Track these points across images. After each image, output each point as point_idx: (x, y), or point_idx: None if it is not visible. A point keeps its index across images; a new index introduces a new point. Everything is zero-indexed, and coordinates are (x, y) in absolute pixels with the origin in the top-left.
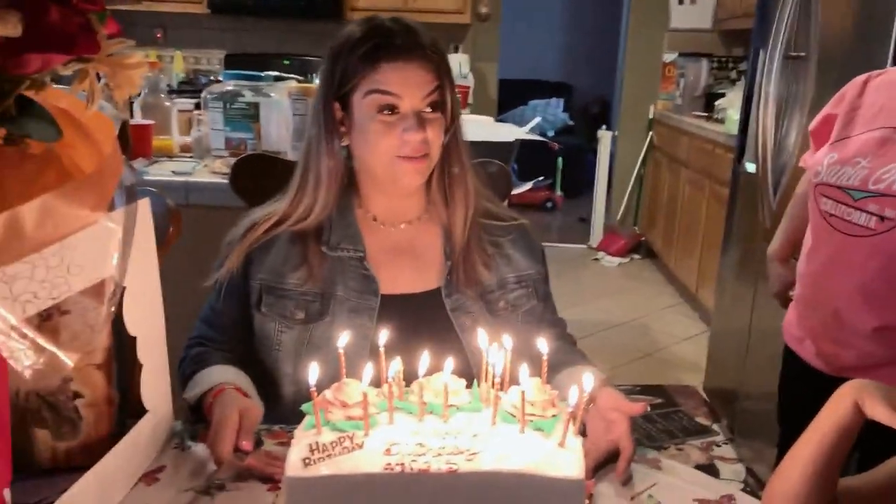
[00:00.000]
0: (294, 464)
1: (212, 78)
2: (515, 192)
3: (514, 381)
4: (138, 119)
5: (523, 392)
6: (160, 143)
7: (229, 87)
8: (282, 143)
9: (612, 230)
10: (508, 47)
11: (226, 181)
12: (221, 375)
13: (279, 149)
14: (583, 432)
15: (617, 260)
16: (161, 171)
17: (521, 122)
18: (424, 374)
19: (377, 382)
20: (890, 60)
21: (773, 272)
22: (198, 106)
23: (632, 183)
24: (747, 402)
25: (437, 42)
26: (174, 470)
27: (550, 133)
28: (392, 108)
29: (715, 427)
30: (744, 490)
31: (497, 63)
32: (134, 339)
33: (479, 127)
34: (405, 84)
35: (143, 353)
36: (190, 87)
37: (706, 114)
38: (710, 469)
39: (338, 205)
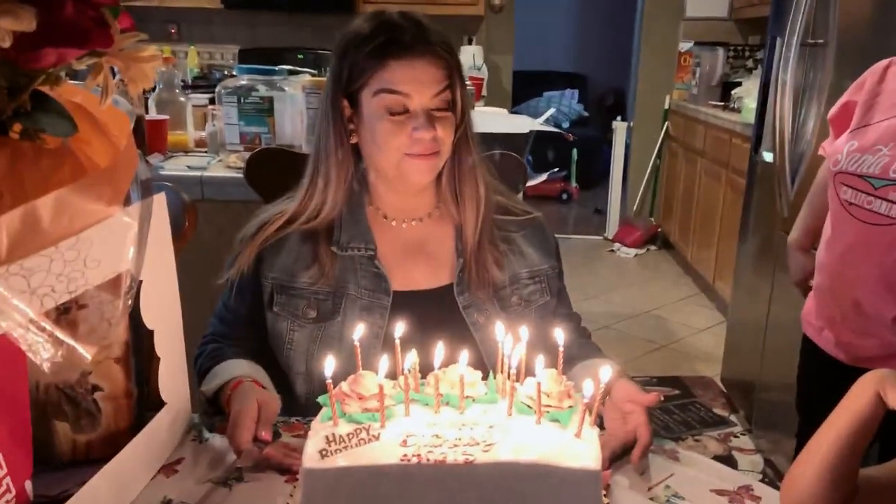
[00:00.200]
0: (311, 455)
1: (226, 73)
2: (530, 183)
3: (529, 372)
4: (153, 114)
5: (539, 383)
6: (175, 138)
7: (243, 82)
8: (296, 137)
9: (628, 221)
10: (522, 39)
11: (241, 175)
12: (239, 369)
13: (293, 143)
14: (601, 425)
15: (633, 251)
16: (176, 166)
17: (535, 114)
18: (440, 366)
19: (393, 375)
20: None
21: (793, 261)
22: (212, 101)
23: (647, 174)
24: (765, 392)
25: (447, 38)
26: (193, 462)
27: (565, 124)
28: (402, 107)
29: (732, 418)
30: (762, 481)
31: (511, 55)
32: (151, 332)
33: (493, 119)
34: (415, 82)
35: (160, 347)
36: (204, 82)
37: (722, 103)
38: (727, 460)
39: (348, 203)
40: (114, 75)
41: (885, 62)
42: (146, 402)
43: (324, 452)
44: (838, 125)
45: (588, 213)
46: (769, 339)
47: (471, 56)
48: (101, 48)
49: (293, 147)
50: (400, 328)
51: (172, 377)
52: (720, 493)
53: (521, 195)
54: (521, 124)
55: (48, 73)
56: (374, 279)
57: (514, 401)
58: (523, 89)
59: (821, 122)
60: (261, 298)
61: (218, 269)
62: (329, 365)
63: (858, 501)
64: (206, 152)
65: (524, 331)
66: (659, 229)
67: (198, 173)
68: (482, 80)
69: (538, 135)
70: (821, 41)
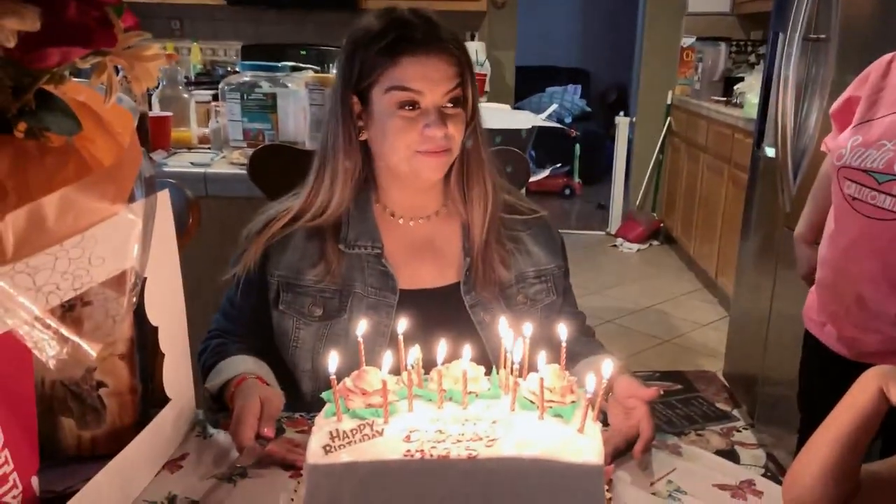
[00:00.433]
0: (315, 451)
1: (229, 69)
2: (533, 179)
3: (532, 368)
4: (156, 111)
5: (542, 378)
6: (178, 134)
7: (246, 78)
8: (299, 134)
9: (631, 216)
10: (525, 34)
11: (244, 172)
12: (243, 365)
13: (297, 139)
14: (605, 422)
15: (636, 246)
16: (180, 163)
17: (538, 110)
18: (443, 361)
19: (396, 370)
20: None
21: (800, 255)
22: (215, 97)
23: (650, 169)
24: (767, 387)
25: (458, 35)
26: (197, 457)
27: (568, 120)
28: (413, 104)
29: (735, 413)
30: (764, 475)
31: (514, 50)
32: (156, 329)
33: (496, 115)
34: (426, 79)
35: (164, 343)
36: (207, 78)
37: (725, 98)
38: (730, 454)
39: (355, 200)
40: (117, 73)
41: (888, 57)
42: (151, 399)
43: (328, 448)
44: (840, 120)
45: (591, 208)
46: (771, 333)
47: (473, 52)
48: (104, 47)
49: (296, 143)
50: (403, 324)
51: (177, 373)
52: (722, 487)
53: (523, 191)
54: (524, 120)
55: (52, 72)
56: (380, 277)
57: (517, 396)
58: (526, 85)
59: (823, 117)
60: (266, 296)
61: (221, 266)
62: (332, 361)
63: (861, 497)
64: (209, 149)
65: (527, 327)
66: (661, 224)
67: (201, 170)
68: (485, 75)
69: (541, 130)
70: (823, 36)
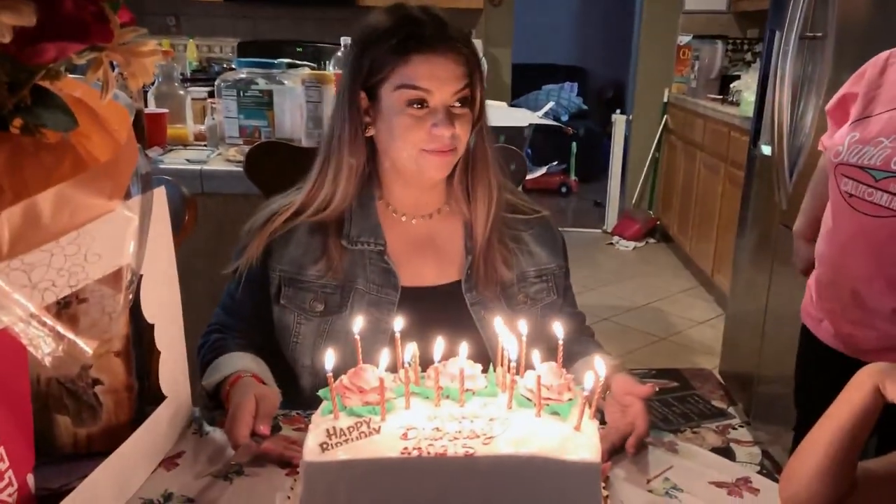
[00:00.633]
0: (311, 449)
1: (225, 66)
2: (530, 177)
3: (529, 366)
4: (152, 108)
5: (539, 376)
6: (174, 131)
7: (243, 75)
8: (296, 131)
9: (628, 214)
10: (522, 32)
11: (240, 169)
12: (239, 363)
13: (293, 136)
14: (602, 420)
15: (632, 244)
16: (176, 160)
17: (535, 107)
18: (440, 359)
19: (394, 368)
20: None
21: (799, 251)
22: (211, 94)
23: (647, 167)
24: (763, 385)
25: (468, 35)
26: (193, 455)
27: (564, 118)
28: (422, 103)
29: (731, 410)
30: (760, 473)
31: (510, 48)
32: (152, 326)
33: (492, 112)
34: (435, 78)
35: (161, 341)
36: (203, 75)
37: (721, 96)
38: (726, 452)
39: (358, 197)
40: (113, 69)
41: (885, 53)
42: (147, 396)
43: (324, 446)
44: (836, 117)
45: (587, 206)
46: (768, 331)
47: None
48: (101, 43)
49: (292, 140)
50: (399, 322)
51: (173, 371)
52: (719, 485)
53: (520, 188)
54: (521, 117)
55: (48, 67)
56: (382, 274)
57: (515, 394)
58: (522, 82)
59: (819, 115)
60: (268, 290)
61: (218, 263)
62: (329, 359)
63: (857, 494)
64: (205, 146)
65: (523, 324)
66: (658, 222)
67: (197, 167)
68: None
69: (537, 128)
70: (819, 34)
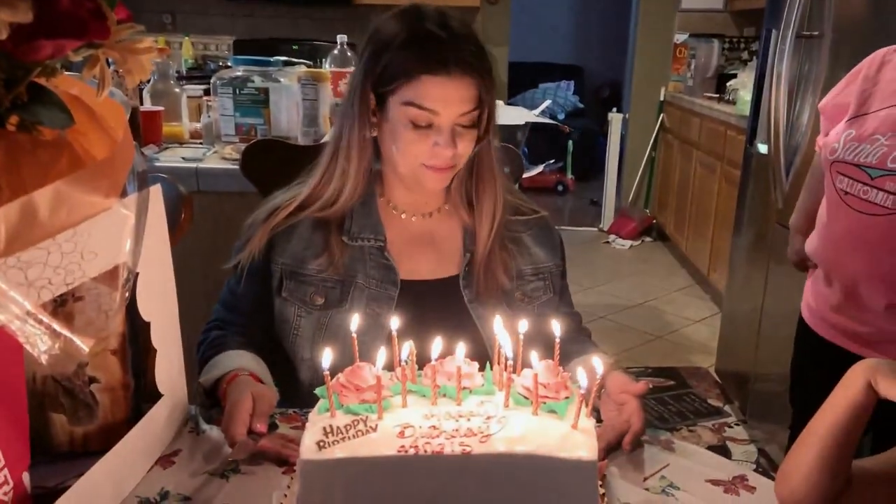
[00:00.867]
0: (308, 447)
1: (221, 63)
2: (526, 175)
3: (526, 365)
4: (148, 106)
5: (536, 374)
6: (170, 129)
7: (239, 73)
8: (292, 129)
9: (624, 213)
10: (518, 30)
11: (236, 167)
12: (237, 361)
13: (289, 134)
14: (598, 419)
15: (628, 242)
16: (172, 158)
17: (531, 106)
18: (438, 357)
19: (390, 366)
20: None
21: (794, 244)
22: (207, 92)
23: (643, 165)
24: (759, 383)
25: (484, 51)
26: (189, 453)
27: (561, 116)
28: (427, 122)
29: (727, 408)
30: (756, 471)
31: (507, 46)
32: (148, 324)
33: None
34: (444, 101)
35: (157, 339)
36: (199, 73)
37: (717, 95)
38: (722, 450)
39: (361, 194)
40: (109, 66)
41: (882, 51)
42: (143, 394)
43: (321, 444)
44: (830, 115)
45: (583, 204)
46: (763, 330)
47: None
48: (97, 39)
49: (289, 138)
50: (396, 321)
51: (169, 369)
52: (715, 483)
53: (516, 187)
54: (517, 116)
55: (45, 64)
56: (382, 270)
57: (511, 392)
58: (519, 81)
59: (815, 113)
60: (270, 283)
61: (214, 261)
62: (326, 357)
63: (852, 492)
64: (201, 144)
65: (523, 323)
66: (654, 221)
67: (193, 165)
68: None
69: (534, 126)
70: (816, 33)
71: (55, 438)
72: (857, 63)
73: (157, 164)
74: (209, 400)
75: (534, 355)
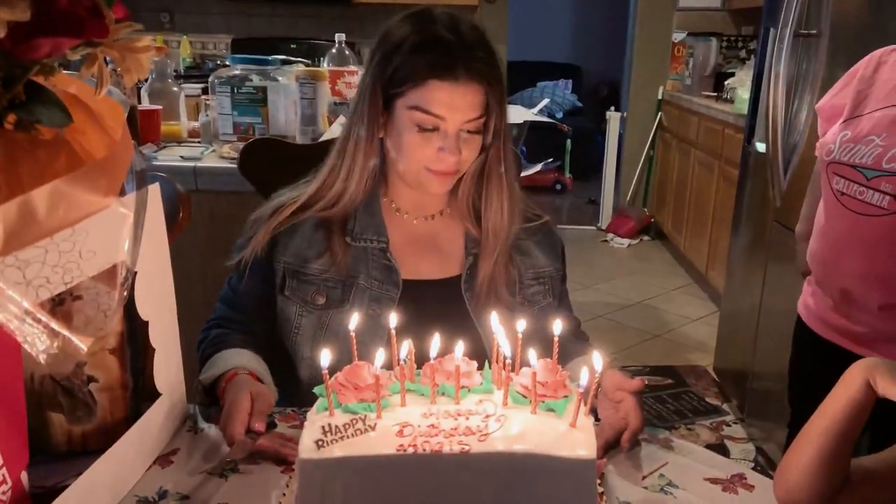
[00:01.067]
0: (307, 446)
1: (219, 62)
2: (524, 174)
3: (525, 364)
4: (146, 104)
5: (534, 373)
6: (168, 128)
7: (237, 72)
8: (290, 128)
9: (622, 212)
10: (516, 29)
11: (234, 166)
12: (236, 359)
13: (287, 133)
14: (596, 417)
15: (626, 241)
16: (170, 157)
17: (529, 104)
18: (436, 356)
19: (389, 365)
20: None
21: (801, 252)
22: (205, 91)
23: (641, 164)
24: (757, 382)
25: (494, 58)
26: (188, 452)
27: (559, 115)
28: (433, 126)
29: (725, 407)
30: (754, 469)
31: (505, 45)
32: (146, 323)
33: None
34: (451, 106)
35: (155, 338)
36: (197, 71)
37: (716, 94)
38: (720, 448)
39: (365, 195)
40: (106, 65)
41: (878, 52)
42: (141, 394)
43: (320, 443)
44: (827, 115)
45: (582, 203)
46: (761, 328)
47: None
48: (96, 38)
49: (286, 137)
50: (394, 319)
51: (168, 368)
52: (714, 481)
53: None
54: (516, 115)
55: (42, 63)
56: (384, 271)
57: (510, 390)
58: (517, 79)
59: (813, 113)
60: (272, 281)
61: (212, 260)
62: (325, 356)
63: (850, 490)
64: (199, 143)
65: (521, 322)
66: (652, 219)
67: (191, 164)
68: None
69: (532, 125)
70: (814, 32)
71: (53, 438)
72: (854, 62)
73: (156, 162)
74: (208, 398)
75: (532, 354)
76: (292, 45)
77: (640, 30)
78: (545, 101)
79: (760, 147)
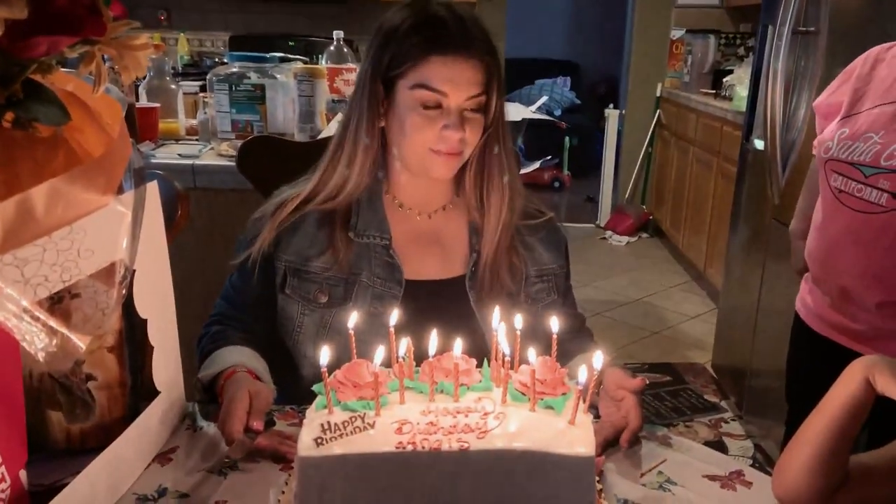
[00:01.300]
0: (306, 444)
1: (217, 60)
2: (523, 171)
3: (524, 361)
4: (144, 102)
5: (533, 370)
6: (166, 126)
7: (234, 69)
8: (288, 125)
9: (620, 209)
10: (515, 26)
11: (232, 164)
12: (235, 357)
13: (285, 130)
14: (596, 415)
15: (625, 239)
16: (168, 155)
17: (527, 102)
18: (435, 353)
19: (388, 362)
20: None
21: (797, 251)
22: (203, 88)
23: (639, 161)
24: (755, 379)
25: (490, 39)
26: (187, 450)
27: (557, 112)
28: (436, 104)
29: (723, 404)
30: (752, 466)
31: (503, 42)
32: (145, 321)
33: None
34: (453, 81)
35: (154, 336)
36: (195, 69)
37: (714, 91)
38: (718, 445)
39: (366, 190)
40: (104, 62)
41: (875, 50)
42: (140, 392)
43: (319, 441)
44: (824, 113)
45: (580, 200)
46: (760, 326)
47: None
48: (93, 36)
49: (285, 135)
50: (394, 316)
51: (166, 366)
52: (712, 478)
53: None
54: (514, 112)
55: (40, 61)
56: (387, 268)
57: (509, 388)
58: (516, 77)
59: (811, 110)
60: (273, 280)
61: (210, 258)
62: (324, 354)
63: (849, 488)
64: (197, 140)
65: (518, 319)
66: (650, 217)
67: (189, 161)
68: None
69: (530, 123)
70: (812, 29)
71: (52, 436)
72: (852, 59)
73: (154, 160)
74: (207, 395)
75: (531, 351)
76: (290, 43)
77: (639, 27)
78: (543, 99)
79: (759, 144)
